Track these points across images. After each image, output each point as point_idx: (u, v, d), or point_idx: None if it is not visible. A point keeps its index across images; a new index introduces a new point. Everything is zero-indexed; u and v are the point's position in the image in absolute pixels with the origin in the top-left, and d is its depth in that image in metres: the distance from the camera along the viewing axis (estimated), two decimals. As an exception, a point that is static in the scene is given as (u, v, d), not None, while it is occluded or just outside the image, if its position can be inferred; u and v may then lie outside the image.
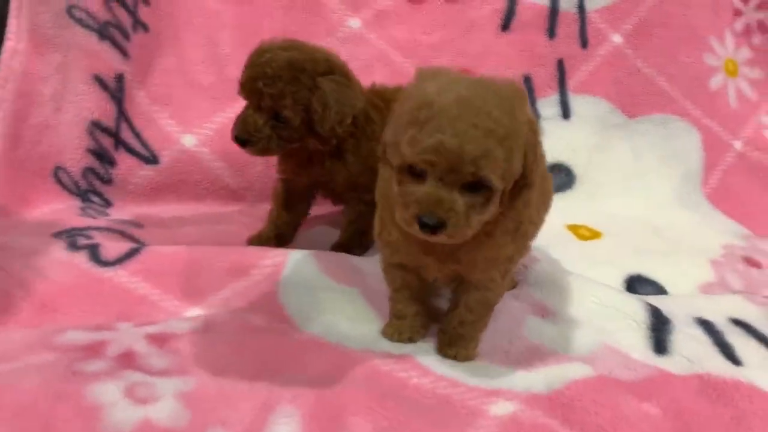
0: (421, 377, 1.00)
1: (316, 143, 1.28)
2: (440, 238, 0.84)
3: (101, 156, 1.51)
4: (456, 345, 1.05)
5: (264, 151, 1.26)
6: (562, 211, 1.72)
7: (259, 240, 1.40)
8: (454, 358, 1.05)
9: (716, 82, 2.05)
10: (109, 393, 0.85)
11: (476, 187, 0.82)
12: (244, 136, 1.24)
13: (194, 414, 0.85)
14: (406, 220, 0.84)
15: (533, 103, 1.86)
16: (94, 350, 0.95)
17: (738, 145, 2.03)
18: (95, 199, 1.50)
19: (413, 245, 0.96)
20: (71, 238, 1.26)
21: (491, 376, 1.02)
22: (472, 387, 0.98)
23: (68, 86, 1.49)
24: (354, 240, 1.39)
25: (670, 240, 1.69)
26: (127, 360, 0.94)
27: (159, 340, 1.00)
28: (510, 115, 0.81)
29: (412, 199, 0.83)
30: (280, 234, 1.41)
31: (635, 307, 1.22)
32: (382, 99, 1.34)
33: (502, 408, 0.95)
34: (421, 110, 0.80)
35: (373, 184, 1.09)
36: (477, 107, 0.79)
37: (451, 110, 0.78)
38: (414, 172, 0.83)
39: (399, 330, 1.07)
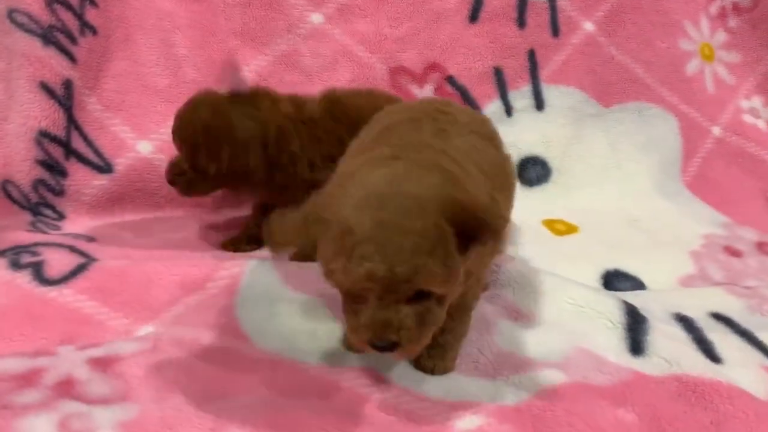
0: (384, 392, 0.94)
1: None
2: (395, 356, 0.83)
3: (52, 167, 1.43)
4: (434, 356, 0.99)
5: (189, 193, 1.32)
6: (537, 206, 1.68)
7: (232, 243, 1.38)
8: (432, 371, 0.99)
9: (692, 67, 2.01)
10: (40, 427, 0.79)
11: (421, 294, 0.78)
12: (168, 177, 1.30)
13: (134, 446, 0.79)
14: (358, 344, 0.82)
15: (505, 95, 1.81)
16: (28, 379, 0.89)
17: (716, 131, 1.99)
18: (47, 212, 1.43)
19: None
20: (15, 255, 1.19)
21: (458, 387, 0.97)
22: (437, 401, 0.93)
23: (13, 95, 1.42)
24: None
25: (649, 232, 1.64)
26: (65, 388, 0.88)
27: (102, 364, 0.94)
28: (435, 219, 0.76)
29: (359, 323, 0.79)
30: (252, 236, 1.38)
31: (610, 306, 1.16)
32: (337, 104, 1.34)
33: (468, 422, 0.89)
34: (344, 239, 0.75)
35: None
36: (397, 226, 0.75)
37: (373, 235, 0.74)
38: (354, 294, 0.79)
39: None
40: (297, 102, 1.35)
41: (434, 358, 0.99)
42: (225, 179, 1.28)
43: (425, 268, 0.75)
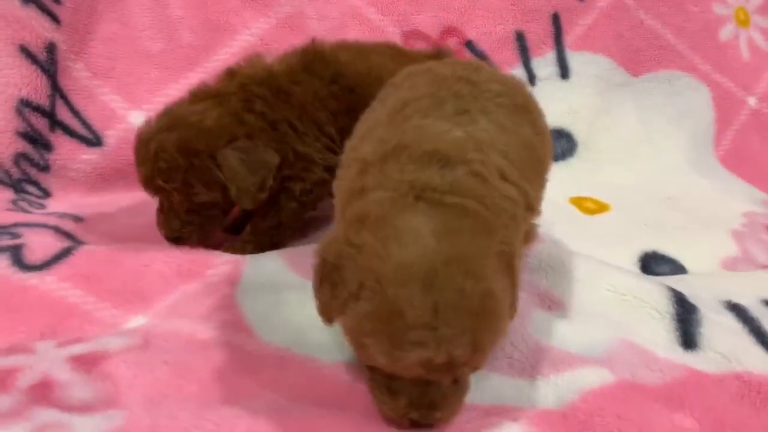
0: (407, 394, 0.82)
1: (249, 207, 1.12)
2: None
3: (35, 140, 1.31)
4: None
5: (204, 240, 1.13)
6: (564, 182, 1.54)
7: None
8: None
9: (726, 33, 1.87)
10: (8, 442, 0.67)
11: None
12: (173, 235, 1.11)
13: (120, 462, 0.67)
14: (391, 418, 0.74)
15: (527, 62, 1.67)
16: (1, 381, 0.77)
17: (752, 101, 1.86)
18: (31, 189, 1.31)
19: None
20: (-7, 237, 1.07)
21: (493, 389, 0.85)
22: (469, 406, 0.81)
23: (-10, 61, 1.29)
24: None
25: (685, 210, 1.52)
26: (42, 392, 0.76)
27: (86, 363, 0.82)
28: (489, 287, 0.68)
29: (398, 403, 0.72)
30: (234, 225, 1.24)
31: (656, 293, 1.04)
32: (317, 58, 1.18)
33: (506, 430, 0.77)
34: (392, 322, 0.65)
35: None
36: (454, 307, 0.65)
37: (429, 321, 0.65)
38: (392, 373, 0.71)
39: None
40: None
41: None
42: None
43: (482, 344, 0.67)
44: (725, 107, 1.82)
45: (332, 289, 0.71)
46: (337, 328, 0.90)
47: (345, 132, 1.09)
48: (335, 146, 1.16)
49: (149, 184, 1.08)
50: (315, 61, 1.17)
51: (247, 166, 1.06)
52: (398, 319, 0.65)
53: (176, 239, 1.11)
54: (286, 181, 1.15)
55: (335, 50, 1.20)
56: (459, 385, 0.73)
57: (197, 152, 1.05)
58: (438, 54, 1.29)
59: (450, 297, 0.65)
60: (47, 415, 0.72)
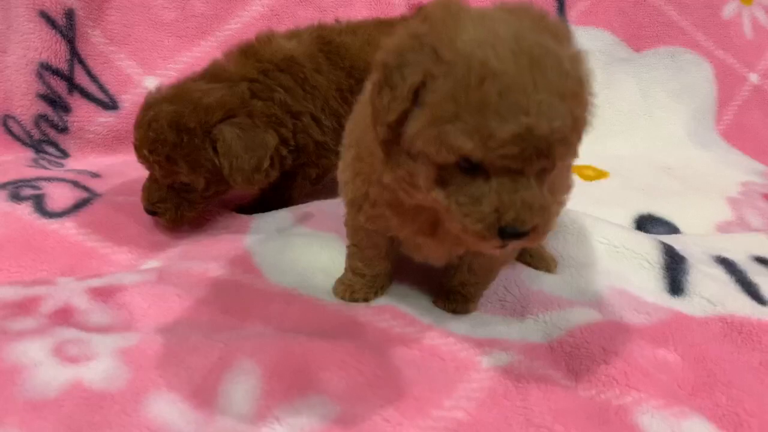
0: (405, 327, 0.87)
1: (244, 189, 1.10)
2: (521, 243, 0.64)
3: (54, 102, 1.36)
4: (456, 301, 0.92)
5: (176, 221, 1.08)
6: (564, 150, 1.59)
7: (241, 209, 1.23)
8: (453, 311, 0.92)
9: (729, 10, 1.89)
10: (33, 352, 0.73)
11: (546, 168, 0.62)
12: (150, 208, 1.07)
13: (135, 374, 0.73)
14: (477, 233, 0.62)
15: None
16: (24, 307, 0.83)
17: (754, 78, 1.88)
18: (50, 149, 1.37)
19: (408, 224, 0.76)
20: (15, 188, 1.13)
21: (485, 325, 0.90)
22: (463, 337, 0.86)
23: (12, 25, 1.34)
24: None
25: (683, 179, 1.55)
26: (63, 317, 0.82)
27: (103, 294, 0.87)
28: (578, 60, 0.61)
29: (482, 205, 0.61)
30: (263, 201, 1.24)
31: (647, 246, 1.08)
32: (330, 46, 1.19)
33: (496, 359, 0.82)
34: (483, 85, 0.57)
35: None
36: (551, 65, 0.57)
37: (525, 78, 0.57)
38: (467, 166, 0.61)
39: (352, 288, 0.92)
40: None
41: (456, 302, 0.93)
42: (218, 191, 1.10)
43: (579, 120, 0.59)
44: (727, 83, 1.85)
45: (392, 91, 0.61)
46: (338, 274, 0.95)
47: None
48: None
49: (137, 150, 1.05)
50: (332, 51, 1.18)
51: (243, 144, 1.03)
52: (491, 83, 0.57)
53: (152, 212, 1.07)
54: (302, 166, 1.18)
55: (345, 39, 1.20)
56: (550, 194, 0.63)
57: (189, 130, 1.01)
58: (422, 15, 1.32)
59: (544, 58, 0.57)
60: (68, 333, 0.77)
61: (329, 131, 1.17)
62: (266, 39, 1.17)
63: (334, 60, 1.18)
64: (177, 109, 1.02)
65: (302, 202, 1.22)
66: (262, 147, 1.05)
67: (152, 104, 1.05)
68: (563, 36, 0.63)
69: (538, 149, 0.58)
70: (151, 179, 1.07)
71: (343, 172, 0.82)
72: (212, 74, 1.12)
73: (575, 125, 0.60)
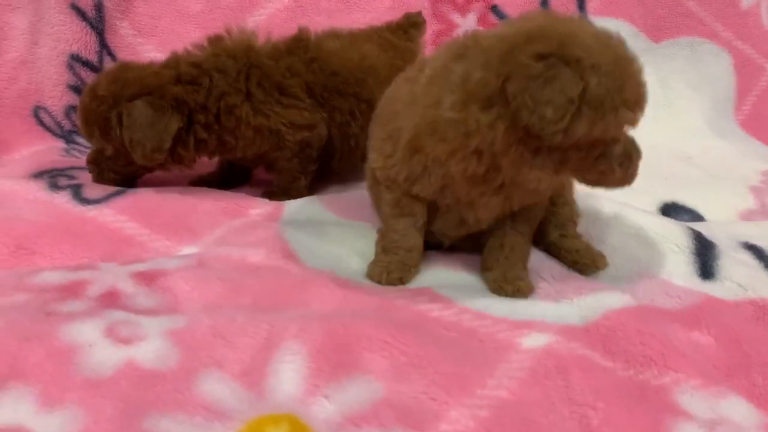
0: (443, 309, 0.89)
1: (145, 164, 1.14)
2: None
3: (85, 93, 1.38)
4: (512, 278, 0.95)
5: (101, 181, 1.17)
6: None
7: (203, 182, 1.28)
8: (517, 293, 0.94)
9: (748, 1, 1.89)
10: (86, 333, 0.74)
11: None
12: (87, 163, 1.18)
13: (185, 354, 0.74)
14: (630, 177, 0.85)
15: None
16: (72, 291, 0.85)
17: (773, 68, 1.88)
18: (80, 140, 1.38)
19: (478, 188, 0.89)
20: (52, 178, 1.15)
21: (520, 307, 0.91)
22: (500, 319, 0.87)
23: (43, 17, 1.36)
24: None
25: (704, 168, 1.56)
26: (110, 300, 0.84)
27: (147, 279, 0.89)
28: None
29: (627, 167, 0.83)
30: (224, 178, 1.30)
31: (676, 231, 1.09)
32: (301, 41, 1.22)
33: (535, 340, 0.83)
34: (624, 79, 0.78)
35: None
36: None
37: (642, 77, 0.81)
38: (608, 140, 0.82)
39: (387, 269, 0.95)
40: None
41: (514, 281, 0.95)
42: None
43: None
44: (746, 73, 1.85)
45: (553, 105, 0.76)
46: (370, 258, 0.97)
47: (325, 106, 1.21)
48: (304, 105, 1.18)
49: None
50: (299, 46, 1.22)
51: (148, 122, 1.08)
52: (629, 76, 0.78)
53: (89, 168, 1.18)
54: (271, 153, 1.20)
55: (322, 38, 1.25)
56: None
57: (100, 98, 1.10)
58: (410, 21, 1.37)
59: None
60: (118, 315, 0.79)
61: (268, 107, 1.16)
62: (237, 33, 1.20)
63: (295, 51, 1.21)
64: (100, 77, 1.14)
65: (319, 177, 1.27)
66: (165, 129, 1.09)
67: (101, 73, 1.18)
68: None
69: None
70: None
71: (387, 156, 0.93)
72: (169, 60, 1.17)
73: None
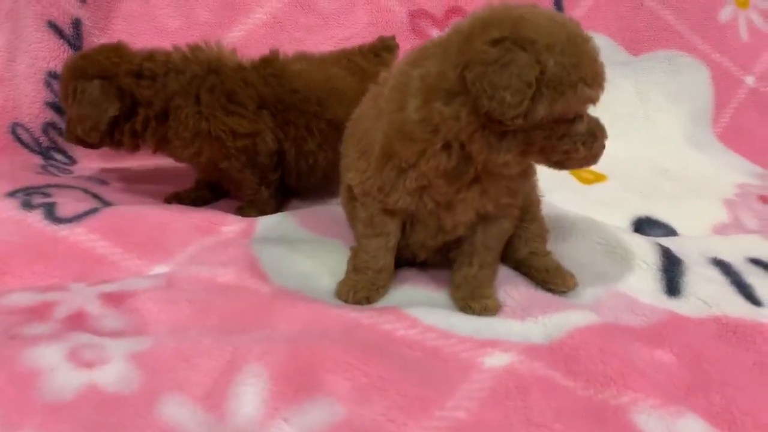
0: (408, 329, 0.89)
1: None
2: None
3: (62, 110, 1.39)
4: (479, 296, 0.96)
5: (71, 141, 1.27)
6: (563, 154, 1.61)
7: (177, 198, 1.30)
8: (484, 311, 0.95)
9: (726, 14, 1.92)
10: (49, 357, 0.75)
11: None
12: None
13: (148, 377, 0.75)
14: (594, 156, 0.87)
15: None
16: (39, 312, 0.85)
17: (750, 80, 1.91)
18: (58, 156, 1.40)
19: (454, 184, 0.90)
20: (27, 196, 1.15)
21: (486, 326, 0.92)
22: (465, 338, 0.88)
23: (20, 34, 1.37)
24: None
25: (680, 181, 1.57)
26: (76, 322, 0.85)
27: (115, 300, 0.90)
28: None
29: (590, 146, 0.86)
30: (199, 196, 1.33)
31: (644, 247, 1.11)
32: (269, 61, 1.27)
33: (497, 359, 0.85)
34: (580, 55, 0.80)
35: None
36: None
37: (585, 37, 0.83)
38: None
39: (355, 288, 0.97)
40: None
41: (481, 298, 0.96)
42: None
43: None
44: (724, 86, 1.87)
45: (511, 90, 0.77)
46: (341, 275, 0.98)
47: (278, 118, 1.23)
48: (245, 113, 1.20)
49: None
50: (262, 63, 1.25)
51: (90, 102, 1.17)
52: (583, 52, 0.81)
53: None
54: (219, 162, 1.22)
55: (289, 60, 1.29)
56: None
57: (63, 73, 1.21)
58: (382, 45, 1.39)
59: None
60: (82, 338, 0.80)
61: (211, 111, 1.18)
62: (214, 46, 1.25)
63: (256, 66, 1.24)
64: (86, 50, 1.26)
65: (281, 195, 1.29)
66: (103, 112, 1.18)
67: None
68: None
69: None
70: None
71: (362, 172, 0.94)
72: (150, 52, 1.23)
73: None
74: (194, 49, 1.24)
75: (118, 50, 1.22)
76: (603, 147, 0.87)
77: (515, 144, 0.83)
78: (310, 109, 1.24)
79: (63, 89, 1.22)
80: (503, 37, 0.79)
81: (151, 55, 1.21)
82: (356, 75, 1.31)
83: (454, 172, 0.88)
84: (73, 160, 1.40)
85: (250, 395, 0.74)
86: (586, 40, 0.82)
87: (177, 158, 1.25)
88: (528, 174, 0.97)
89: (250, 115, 1.20)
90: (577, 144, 0.85)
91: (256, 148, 1.22)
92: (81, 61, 1.21)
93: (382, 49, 1.37)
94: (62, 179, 1.28)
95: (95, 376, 0.74)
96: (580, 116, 0.84)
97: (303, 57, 1.31)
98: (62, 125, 1.40)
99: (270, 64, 1.26)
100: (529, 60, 0.77)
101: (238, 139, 1.20)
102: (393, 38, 1.41)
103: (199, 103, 1.18)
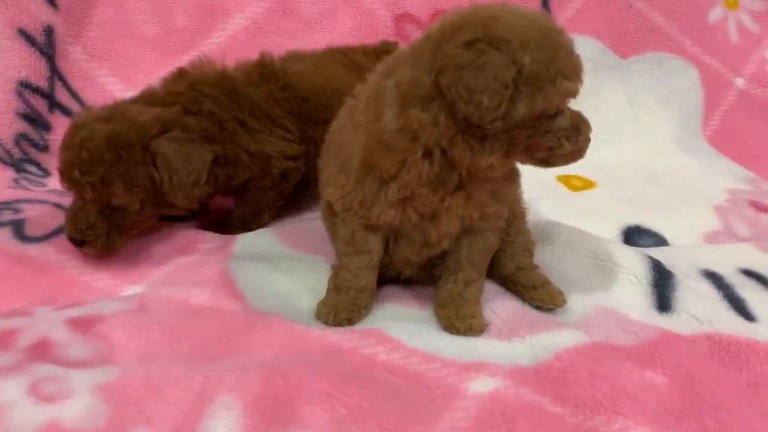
0: (390, 352, 0.86)
1: (180, 209, 1.08)
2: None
3: (34, 120, 1.35)
4: (464, 315, 0.93)
5: (107, 249, 1.02)
6: (551, 160, 1.58)
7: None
8: (469, 331, 0.92)
9: (715, 15, 1.89)
10: (8, 392, 0.71)
11: None
12: (78, 236, 1.00)
13: (114, 411, 0.71)
14: (580, 150, 0.85)
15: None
16: (1, 341, 0.81)
17: (740, 82, 1.88)
18: (31, 168, 1.35)
19: (439, 191, 0.87)
20: (-5, 213, 1.11)
21: (471, 348, 0.89)
22: (449, 361, 0.85)
23: (-10, 43, 1.32)
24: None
25: (670, 187, 1.54)
26: (40, 351, 0.81)
27: (82, 325, 0.86)
28: None
29: (576, 140, 0.84)
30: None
31: (634, 260, 1.08)
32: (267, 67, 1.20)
33: (483, 385, 0.81)
34: (556, 49, 0.78)
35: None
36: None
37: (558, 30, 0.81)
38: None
39: (335, 309, 0.93)
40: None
41: (466, 318, 0.93)
42: (152, 215, 1.08)
43: None
44: (714, 88, 1.84)
45: (489, 92, 0.75)
46: (322, 295, 0.95)
47: (302, 135, 1.18)
48: (293, 137, 1.17)
49: (66, 173, 0.99)
50: (267, 72, 1.19)
51: (181, 157, 1.01)
52: (559, 46, 0.79)
53: (80, 242, 1.01)
54: (252, 181, 1.17)
55: (286, 62, 1.23)
56: None
57: (128, 144, 0.98)
58: (384, 48, 1.35)
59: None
60: (45, 369, 0.76)
61: (263, 137, 1.14)
62: (199, 63, 1.17)
63: (268, 76, 1.18)
64: (113, 127, 1.00)
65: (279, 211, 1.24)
66: (199, 160, 1.04)
67: (83, 124, 1.01)
68: None
69: None
70: (79, 206, 1.02)
71: (342, 187, 0.90)
72: (145, 98, 1.11)
73: None
74: (182, 75, 1.14)
75: (121, 110, 1.05)
76: (588, 140, 0.86)
77: (498, 145, 0.81)
78: (321, 117, 1.15)
79: (121, 176, 0.98)
80: (476, 39, 0.76)
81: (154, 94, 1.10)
82: (352, 72, 1.25)
83: (437, 180, 0.85)
84: (46, 172, 1.35)
85: (222, 429, 0.71)
86: (560, 33, 0.80)
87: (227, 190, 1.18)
88: (513, 178, 0.94)
89: (295, 138, 1.17)
90: (561, 139, 0.83)
91: (293, 170, 1.19)
92: (128, 131, 1.00)
93: (383, 52, 1.33)
94: (35, 193, 1.23)
95: (57, 412, 0.70)
96: (561, 111, 0.82)
97: (298, 57, 1.25)
98: (35, 136, 1.35)
99: (273, 72, 1.19)
100: (504, 60, 0.75)
101: (284, 161, 1.16)
102: (396, 44, 1.39)
103: (246, 127, 1.12)
